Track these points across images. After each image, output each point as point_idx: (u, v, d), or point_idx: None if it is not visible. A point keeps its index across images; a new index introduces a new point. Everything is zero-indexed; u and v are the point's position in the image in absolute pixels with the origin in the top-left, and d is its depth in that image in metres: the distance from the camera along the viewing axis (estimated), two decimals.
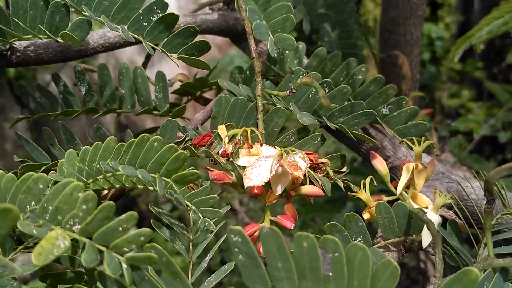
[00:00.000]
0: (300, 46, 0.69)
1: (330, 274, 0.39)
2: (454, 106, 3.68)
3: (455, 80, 3.94)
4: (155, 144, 0.45)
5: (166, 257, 0.36)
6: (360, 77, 0.66)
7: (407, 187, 0.58)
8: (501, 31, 1.10)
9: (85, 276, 0.48)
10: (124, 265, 0.35)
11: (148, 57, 0.72)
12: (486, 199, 0.39)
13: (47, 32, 0.52)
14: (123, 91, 0.67)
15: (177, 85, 0.78)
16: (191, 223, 0.54)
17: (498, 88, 2.48)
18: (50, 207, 0.38)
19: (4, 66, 0.63)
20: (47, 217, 0.39)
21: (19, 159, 0.64)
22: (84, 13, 0.52)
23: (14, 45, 0.61)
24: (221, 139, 0.53)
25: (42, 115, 0.66)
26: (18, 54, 0.62)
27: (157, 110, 0.68)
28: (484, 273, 0.42)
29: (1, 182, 0.42)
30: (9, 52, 0.61)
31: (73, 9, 0.53)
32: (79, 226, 0.37)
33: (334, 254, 0.38)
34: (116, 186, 0.50)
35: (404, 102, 0.66)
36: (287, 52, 0.68)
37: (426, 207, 0.57)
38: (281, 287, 0.39)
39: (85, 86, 0.66)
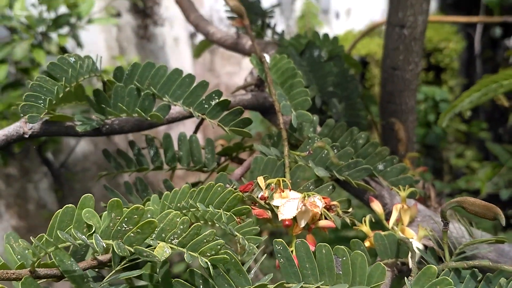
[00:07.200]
0: (314, 118, 0.90)
1: (340, 272, 0.58)
2: (461, 166, 3.83)
3: (461, 140, 4.13)
4: (219, 188, 0.66)
5: (234, 259, 0.56)
6: (360, 141, 0.87)
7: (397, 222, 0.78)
8: (482, 101, 1.32)
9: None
10: (209, 263, 0.55)
11: (198, 126, 0.95)
12: (442, 223, 0.59)
13: (140, 111, 0.74)
14: (181, 153, 0.89)
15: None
16: (239, 247, 0.74)
17: (498, 148, 2.66)
18: (157, 229, 0.59)
19: (96, 135, 0.85)
20: (153, 236, 0.59)
21: (104, 205, 0.85)
22: (164, 99, 0.75)
23: (105, 120, 0.84)
24: (260, 187, 0.74)
25: (121, 171, 0.88)
26: (107, 126, 0.84)
27: (206, 167, 0.90)
28: (443, 271, 0.61)
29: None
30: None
31: (157, 96, 0.76)
32: (177, 240, 0.57)
33: (343, 258, 0.58)
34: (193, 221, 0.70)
35: (395, 160, 0.86)
36: (304, 123, 0.90)
37: (412, 238, 0.77)
38: (308, 282, 0.58)
39: (153, 149, 0.88)
